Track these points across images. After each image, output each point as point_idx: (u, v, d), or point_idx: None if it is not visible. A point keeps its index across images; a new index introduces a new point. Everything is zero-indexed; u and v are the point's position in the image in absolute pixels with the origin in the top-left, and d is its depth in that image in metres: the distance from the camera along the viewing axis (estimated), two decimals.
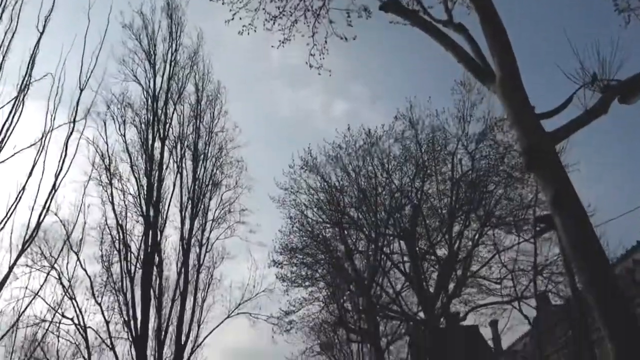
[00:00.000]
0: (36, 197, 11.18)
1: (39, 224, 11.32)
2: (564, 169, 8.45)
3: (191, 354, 24.67)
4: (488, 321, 27.52)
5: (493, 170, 21.09)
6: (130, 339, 21.40)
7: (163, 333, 23.06)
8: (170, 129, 25.55)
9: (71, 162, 12.13)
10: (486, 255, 22.54)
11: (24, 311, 15.63)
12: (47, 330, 19.43)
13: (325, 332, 37.66)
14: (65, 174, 11.93)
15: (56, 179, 11.45)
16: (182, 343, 24.34)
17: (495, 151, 21.77)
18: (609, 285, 7.28)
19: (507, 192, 20.61)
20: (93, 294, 21.51)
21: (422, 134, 22.75)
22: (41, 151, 11.31)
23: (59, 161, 11.51)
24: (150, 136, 24.71)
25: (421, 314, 22.91)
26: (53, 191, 11.24)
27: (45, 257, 20.35)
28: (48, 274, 18.95)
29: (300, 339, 42.35)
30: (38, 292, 16.90)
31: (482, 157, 22.07)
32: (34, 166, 11.29)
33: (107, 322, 21.28)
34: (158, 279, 24.10)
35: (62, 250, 20.18)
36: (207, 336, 25.67)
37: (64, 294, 20.84)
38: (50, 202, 11.45)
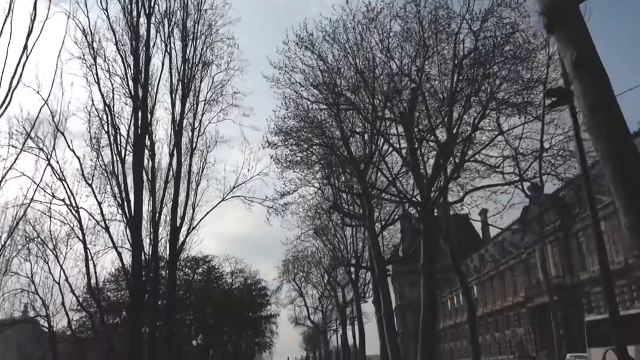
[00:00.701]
0: (6, 58, 10.37)
1: (11, 90, 10.60)
2: (587, 30, 7.68)
3: (187, 235, 25.02)
4: (482, 206, 27.50)
5: (498, 50, 20.06)
6: (125, 220, 21.44)
7: (157, 215, 23.16)
8: (156, 5, 24.10)
9: (43, 25, 11.19)
10: (486, 139, 22.12)
11: (2, 178, 15.15)
12: (28, 205, 19.08)
13: (320, 217, 38.34)
14: (38, 38, 11.04)
15: (27, 40, 10.58)
16: (178, 225, 24.58)
17: (501, 30, 20.60)
18: (629, 154, 6.78)
19: (512, 73, 19.70)
20: (83, 175, 21.24)
21: (424, 10, 21.41)
22: (8, 12, 10.34)
23: (29, 24, 10.59)
24: (134, 12, 23.30)
25: (418, 198, 22.87)
26: (24, 55, 10.40)
27: (31, 138, 19.79)
28: (24, 142, 18.24)
29: (295, 224, 43.28)
30: (14, 163, 16.45)
31: (487, 37, 20.93)
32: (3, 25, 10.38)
33: (100, 203, 21.18)
34: (150, 161, 23.82)
35: (37, 117, 19.49)
36: (202, 218, 25.98)
37: (52, 174, 20.51)
38: (23, 68, 10.66)
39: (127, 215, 21.12)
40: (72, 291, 20.72)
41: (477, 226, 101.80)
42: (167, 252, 24.38)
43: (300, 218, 37.34)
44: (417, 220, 24.60)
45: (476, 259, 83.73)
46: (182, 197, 24.74)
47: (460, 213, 26.37)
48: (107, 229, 20.97)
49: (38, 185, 19.26)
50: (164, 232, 24.15)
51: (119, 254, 21.30)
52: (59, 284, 20.94)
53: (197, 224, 25.17)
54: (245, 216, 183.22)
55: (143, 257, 22.07)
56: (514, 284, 70.74)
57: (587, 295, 56.79)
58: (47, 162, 20.53)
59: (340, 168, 26.71)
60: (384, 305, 28.29)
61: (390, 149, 25.15)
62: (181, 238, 24.50)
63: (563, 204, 61.54)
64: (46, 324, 21.29)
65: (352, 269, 41.15)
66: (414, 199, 21.41)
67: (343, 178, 30.31)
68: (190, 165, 25.04)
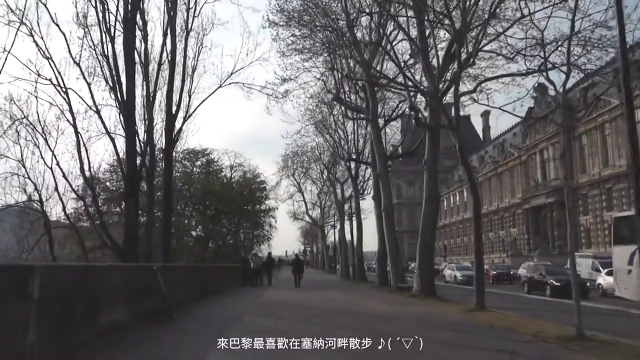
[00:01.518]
0: None
1: None
2: None
3: (183, 123, 23.91)
4: (495, 98, 26.15)
5: None
6: (117, 105, 20.19)
7: (151, 99, 21.93)
8: None
9: None
10: (501, 29, 20.38)
11: None
12: None
13: (321, 111, 37.13)
14: None
15: None
16: (173, 112, 23.43)
17: None
18: None
19: None
20: (70, 53, 19.65)
21: None
22: None
23: None
24: None
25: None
26: None
27: (12, 10, 18.11)
28: None
29: (295, 118, 41.85)
30: None
31: None
32: None
33: (89, 84, 19.80)
34: (143, 43, 22.23)
35: None
36: (199, 105, 24.87)
37: (38, 52, 18.99)
38: None
39: (119, 98, 19.84)
40: (64, 176, 19.87)
41: (479, 128, 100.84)
42: (163, 141, 23.37)
43: (301, 112, 36.21)
44: (424, 117, 23.40)
45: (475, 160, 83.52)
46: (177, 84, 23.43)
47: (461, 115, 25.05)
48: (98, 112, 19.76)
49: (7, 53, 17.56)
50: (158, 118, 23.01)
51: (112, 139, 20.16)
52: (51, 169, 20.05)
53: (194, 111, 24.07)
54: (244, 113, 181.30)
55: (138, 144, 21.08)
56: (512, 185, 70.97)
57: (584, 197, 56.97)
58: (38, 48, 18.93)
59: (345, 52, 24.99)
60: (384, 199, 27.85)
61: (399, 36, 23.47)
62: (177, 126, 23.46)
63: (567, 105, 60.20)
64: (39, 209, 20.71)
65: (352, 164, 40.49)
66: (424, 87, 20.01)
67: (346, 67, 28.65)
68: (185, 49, 23.44)
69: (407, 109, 31.03)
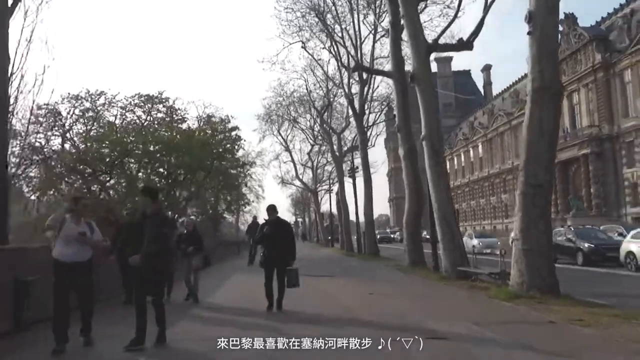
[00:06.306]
0: None
1: None
2: None
3: None
4: None
5: None
6: None
7: None
8: None
9: None
10: None
11: None
12: None
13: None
14: None
15: None
16: None
17: None
18: None
19: None
20: None
21: None
22: None
23: None
24: None
25: None
26: None
27: None
28: None
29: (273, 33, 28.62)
30: None
31: None
32: None
33: None
34: None
35: None
36: None
37: None
38: None
39: None
40: None
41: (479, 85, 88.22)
42: None
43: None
44: None
45: (482, 115, 71.02)
46: None
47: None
48: None
49: None
50: None
51: None
52: None
53: None
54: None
55: None
56: None
57: (628, 146, 44.71)
58: None
59: None
60: (425, 121, 15.07)
61: None
62: None
63: (604, 39, 47.53)
64: None
65: (356, 99, 27.71)
66: None
67: None
68: None
69: None
